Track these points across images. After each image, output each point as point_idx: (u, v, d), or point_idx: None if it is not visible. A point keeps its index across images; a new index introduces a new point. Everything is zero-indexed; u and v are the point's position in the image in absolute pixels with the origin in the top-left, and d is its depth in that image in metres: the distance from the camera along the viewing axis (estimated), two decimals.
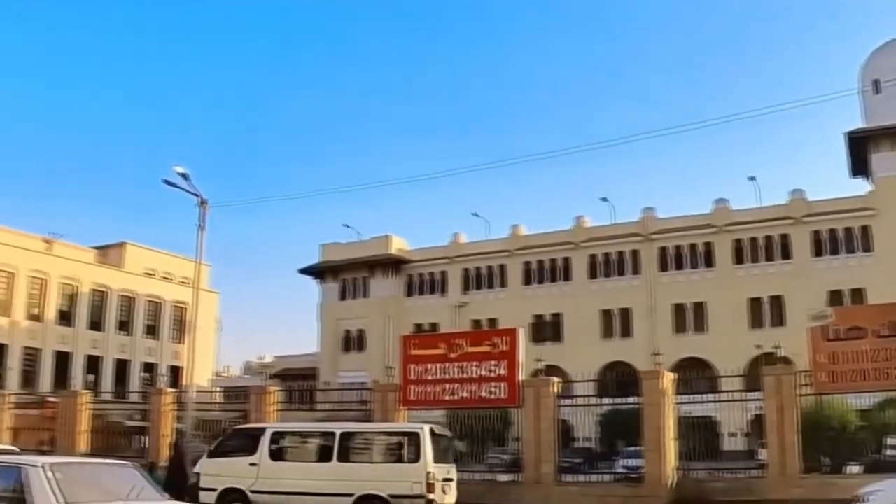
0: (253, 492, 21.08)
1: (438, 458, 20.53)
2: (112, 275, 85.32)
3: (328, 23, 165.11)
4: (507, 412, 29.20)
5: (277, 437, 22.11)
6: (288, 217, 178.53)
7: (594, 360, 56.53)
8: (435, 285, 72.49)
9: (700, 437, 26.04)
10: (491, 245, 69.89)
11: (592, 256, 66.19)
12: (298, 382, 68.34)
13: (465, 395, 26.34)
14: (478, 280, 70.47)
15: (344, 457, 20.85)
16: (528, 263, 68.20)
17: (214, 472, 21.72)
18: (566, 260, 67.04)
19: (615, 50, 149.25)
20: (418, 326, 68.44)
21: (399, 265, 73.89)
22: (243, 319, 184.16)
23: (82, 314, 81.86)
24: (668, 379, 24.59)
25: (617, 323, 64.55)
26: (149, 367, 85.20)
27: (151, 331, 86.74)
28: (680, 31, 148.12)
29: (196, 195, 31.54)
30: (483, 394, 26.08)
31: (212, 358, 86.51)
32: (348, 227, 75.96)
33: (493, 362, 25.98)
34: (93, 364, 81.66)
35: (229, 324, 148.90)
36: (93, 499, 10.75)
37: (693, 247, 62.92)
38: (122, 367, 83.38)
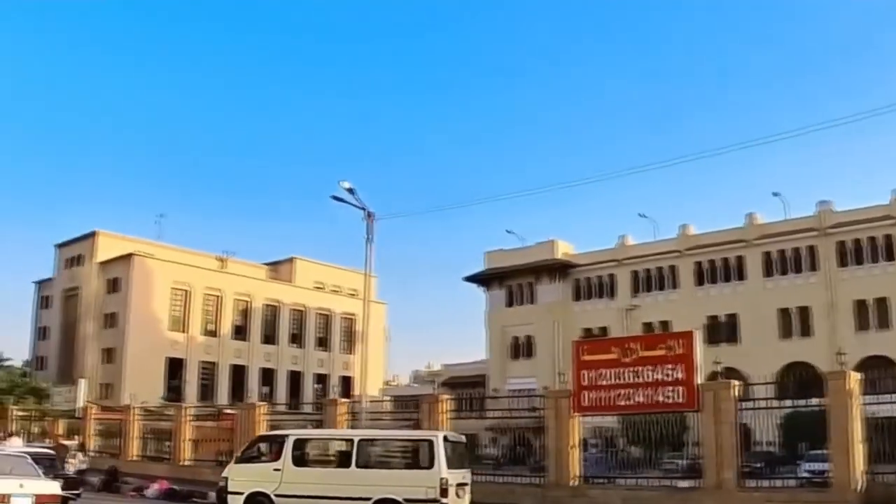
0: (277, 495, 22.26)
1: (453, 465, 21.35)
2: (283, 289, 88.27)
3: (479, 33, 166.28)
4: (683, 416, 28.69)
5: (300, 443, 23.28)
6: (451, 225, 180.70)
7: (773, 361, 54.90)
8: (603, 289, 71.77)
9: (888, 439, 24.97)
10: (659, 246, 68.75)
11: (767, 254, 64.20)
12: (467, 390, 68.75)
13: (640, 399, 25.96)
14: (647, 282, 69.40)
15: (362, 463, 21.86)
16: (699, 263, 66.74)
17: (242, 477, 23.13)
18: (739, 258, 65.28)
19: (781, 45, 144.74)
20: (587, 331, 67.86)
21: (565, 270, 73.48)
22: (409, 328, 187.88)
23: (256, 328, 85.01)
24: (854, 379, 23.64)
25: (795, 322, 62.40)
26: (320, 378, 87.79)
27: (322, 342, 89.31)
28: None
29: (362, 209, 31.98)
30: (659, 398, 25.67)
31: (381, 367, 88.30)
32: (512, 233, 76.19)
33: (668, 366, 25.53)
34: (267, 376, 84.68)
35: (396, 333, 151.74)
36: None
37: (873, 240, 60.16)
38: (295, 378, 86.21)
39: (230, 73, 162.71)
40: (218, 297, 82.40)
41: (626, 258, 70.49)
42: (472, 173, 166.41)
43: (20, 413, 60.32)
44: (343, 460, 22.33)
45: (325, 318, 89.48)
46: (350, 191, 31.52)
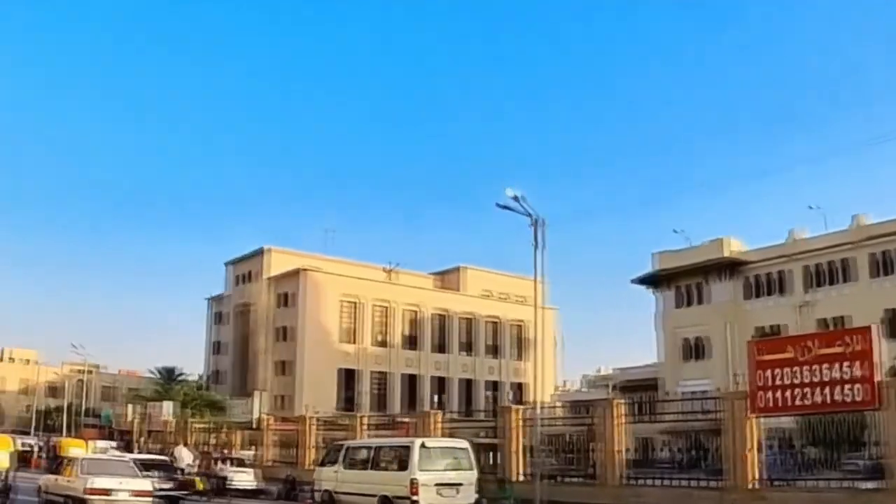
0: (336, 493, 27.79)
1: (436, 467, 25.51)
2: (452, 298, 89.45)
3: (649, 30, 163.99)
4: (863, 415, 27.80)
5: (350, 450, 28.82)
6: (618, 228, 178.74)
7: None
8: (774, 285, 69.41)
9: None
10: (832, 238, 65.97)
11: None
12: (639, 394, 67.92)
13: (818, 399, 25.22)
14: (821, 276, 66.73)
15: (375, 465, 27.02)
16: (874, 255, 63.84)
17: (321, 478, 29.12)
18: None
19: None
20: (760, 330, 65.77)
21: (735, 268, 71.53)
22: (579, 332, 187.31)
23: (426, 338, 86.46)
24: None
25: None
26: (492, 386, 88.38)
27: (492, 350, 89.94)
28: None
29: (529, 215, 31.51)
30: (838, 397, 24.87)
31: (553, 373, 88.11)
32: (679, 232, 74.88)
33: (846, 363, 24.76)
34: (439, 385, 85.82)
35: (565, 337, 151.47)
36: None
37: None
38: (467, 386, 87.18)
39: (396, 84, 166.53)
40: (387, 307, 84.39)
41: (797, 253, 68.01)
42: (637, 175, 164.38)
43: (199, 425, 63.65)
44: (366, 463, 27.46)
45: (495, 326, 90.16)
46: (516, 198, 31.22)
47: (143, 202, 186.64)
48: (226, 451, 47.06)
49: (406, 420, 44.44)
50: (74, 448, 42.48)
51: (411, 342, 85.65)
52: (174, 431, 65.52)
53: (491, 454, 37.62)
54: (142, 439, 68.70)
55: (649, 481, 28.55)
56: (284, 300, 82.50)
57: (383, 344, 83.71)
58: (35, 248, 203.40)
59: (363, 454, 28.12)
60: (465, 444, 27.72)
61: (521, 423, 33.36)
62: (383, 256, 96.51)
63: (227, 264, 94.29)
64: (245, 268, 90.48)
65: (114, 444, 53.66)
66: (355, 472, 27.46)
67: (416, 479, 24.56)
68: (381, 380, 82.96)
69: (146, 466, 29.52)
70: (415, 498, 24.40)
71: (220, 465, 38.66)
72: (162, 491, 27.85)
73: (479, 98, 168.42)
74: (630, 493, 27.61)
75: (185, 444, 50.26)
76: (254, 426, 54.64)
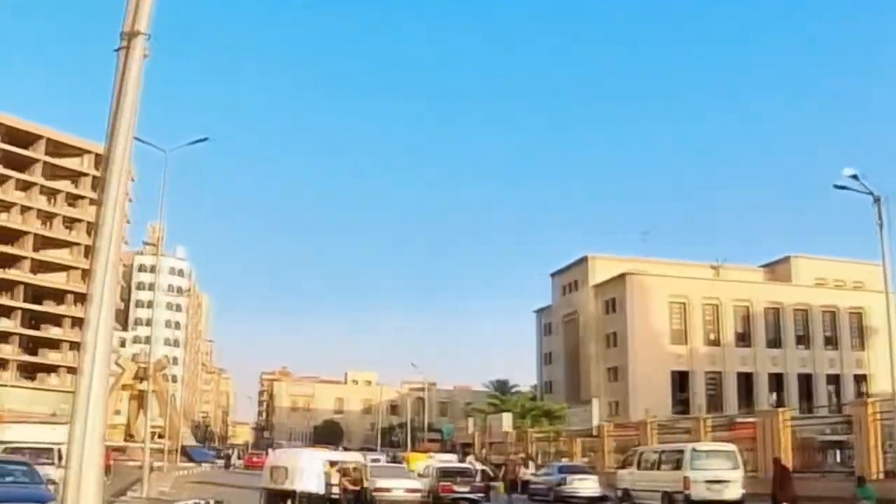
0: (632, 490, 33.58)
1: (700, 466, 29.80)
2: (783, 290, 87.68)
3: None
4: None
5: (642, 455, 34.71)
6: None
7: None
8: None
9: None
10: None
11: None
12: None
13: None
14: None
15: (659, 466, 32.26)
16: None
17: (620, 479, 35.35)
18: None
19: None
20: None
21: None
22: None
23: (759, 333, 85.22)
24: None
25: None
26: (833, 379, 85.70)
27: (830, 341, 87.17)
28: None
29: (871, 193, 30.50)
30: None
31: None
32: None
33: None
34: (776, 381, 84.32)
35: None
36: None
37: None
38: (804, 381, 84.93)
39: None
40: (716, 305, 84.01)
41: None
42: None
43: (537, 435, 66.35)
44: (653, 465, 32.81)
45: (831, 316, 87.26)
46: (854, 177, 30.19)
47: (475, 222, 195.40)
48: (522, 458, 51.88)
49: (749, 420, 44.74)
50: (419, 461, 46.33)
51: (743, 339, 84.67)
52: (513, 442, 68.66)
53: (838, 452, 37.70)
54: (483, 451, 72.40)
55: None
56: (612, 306, 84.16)
57: (715, 343, 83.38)
58: (366, 280, 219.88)
59: (652, 458, 33.72)
60: (731, 447, 31.99)
61: (877, 417, 32.54)
62: (705, 254, 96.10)
63: (552, 275, 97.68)
64: (569, 278, 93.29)
65: (453, 456, 56.98)
66: (645, 472, 33.04)
67: (688, 476, 29.13)
68: (715, 380, 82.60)
69: (451, 473, 36.36)
70: (687, 492, 28.97)
71: (521, 470, 44.26)
72: (460, 494, 34.32)
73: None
74: None
75: (475, 456, 59.29)
76: (594, 433, 56.43)
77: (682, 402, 79.03)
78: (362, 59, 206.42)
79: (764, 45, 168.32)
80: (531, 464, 50.13)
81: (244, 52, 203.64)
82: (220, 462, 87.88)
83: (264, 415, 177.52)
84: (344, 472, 26.88)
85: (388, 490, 29.79)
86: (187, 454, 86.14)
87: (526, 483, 42.96)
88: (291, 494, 25.18)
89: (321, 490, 25.41)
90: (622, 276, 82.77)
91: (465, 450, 74.30)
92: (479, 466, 44.20)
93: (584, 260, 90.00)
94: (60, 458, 24.11)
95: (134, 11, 5.94)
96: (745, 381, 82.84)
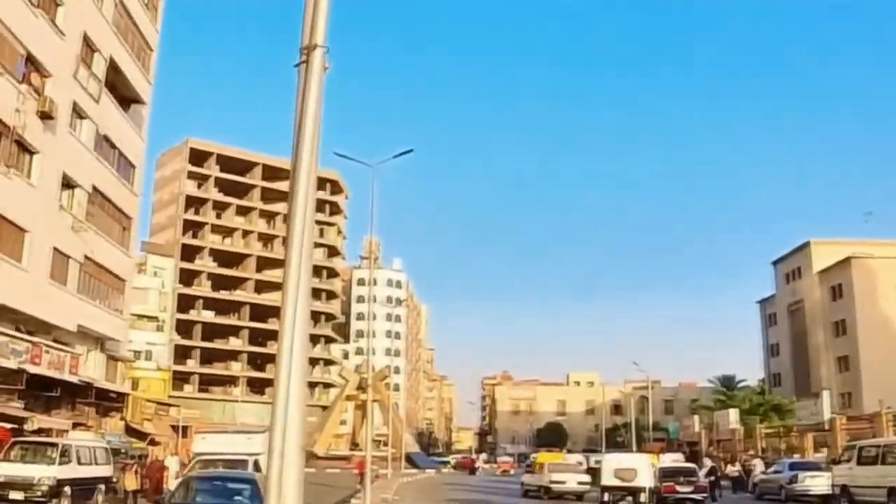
0: (850, 486, 31.57)
1: None
2: None
3: None
4: None
5: (861, 449, 32.11)
6: None
7: None
8: None
9: None
10: None
11: None
12: None
13: None
14: None
15: (883, 461, 29.81)
16: None
17: (837, 475, 33.52)
18: None
19: None
20: None
21: None
22: None
23: None
24: None
25: None
26: None
27: None
28: None
29: None
30: None
31: None
32: None
33: None
34: None
35: None
36: None
37: None
38: None
39: None
40: None
41: None
42: None
43: (767, 431, 64.84)
44: (875, 460, 30.49)
45: None
46: None
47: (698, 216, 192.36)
48: (751, 455, 54.63)
49: None
50: (550, 461, 46.52)
51: None
52: (741, 439, 67.33)
53: None
54: (711, 448, 71.32)
55: None
56: (838, 293, 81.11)
57: None
58: (588, 281, 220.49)
59: (872, 452, 31.28)
60: None
61: None
62: None
63: (773, 263, 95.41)
64: (791, 265, 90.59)
65: (680, 455, 56.21)
66: (866, 468, 30.84)
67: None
68: None
69: (672, 473, 36.43)
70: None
71: (729, 468, 47.85)
72: (683, 494, 34.50)
73: None
74: None
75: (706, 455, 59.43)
76: (825, 427, 54.63)
77: None
78: (577, 60, 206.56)
79: None
80: (760, 462, 48.57)
81: (450, 60, 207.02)
82: (446, 469, 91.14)
83: (486, 419, 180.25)
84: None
85: (561, 482, 40.93)
86: (411, 461, 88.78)
87: (717, 480, 42.94)
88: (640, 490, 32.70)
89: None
90: (847, 261, 79.67)
91: (691, 447, 73.48)
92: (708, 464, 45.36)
93: (806, 245, 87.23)
94: (257, 469, 23.96)
95: (311, 25, 6.16)
96: None
